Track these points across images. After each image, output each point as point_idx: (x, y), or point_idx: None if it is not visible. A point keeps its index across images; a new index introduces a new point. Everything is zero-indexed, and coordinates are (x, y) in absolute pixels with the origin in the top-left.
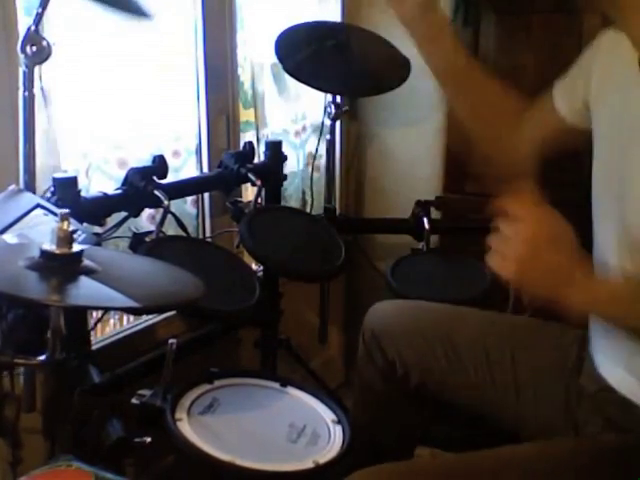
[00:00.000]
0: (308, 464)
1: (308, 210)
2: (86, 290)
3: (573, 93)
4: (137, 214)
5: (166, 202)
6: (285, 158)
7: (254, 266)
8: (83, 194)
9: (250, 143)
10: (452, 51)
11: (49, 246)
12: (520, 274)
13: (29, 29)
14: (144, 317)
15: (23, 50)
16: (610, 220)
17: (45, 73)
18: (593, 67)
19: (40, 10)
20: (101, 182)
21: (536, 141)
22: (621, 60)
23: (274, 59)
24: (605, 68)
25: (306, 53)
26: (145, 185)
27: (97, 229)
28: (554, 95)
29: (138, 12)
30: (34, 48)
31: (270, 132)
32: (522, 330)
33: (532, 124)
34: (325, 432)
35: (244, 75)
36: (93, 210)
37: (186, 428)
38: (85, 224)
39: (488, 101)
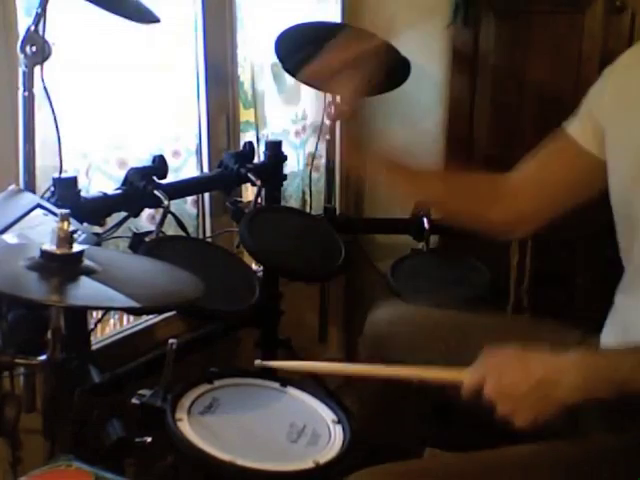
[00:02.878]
0: (308, 464)
1: (308, 210)
2: (86, 290)
3: (591, 121)
4: (137, 214)
5: (166, 202)
6: (285, 158)
7: (254, 266)
8: (83, 194)
9: (250, 143)
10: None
11: (49, 246)
12: (522, 416)
13: (29, 29)
14: (144, 317)
15: (23, 50)
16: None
17: (45, 73)
18: (607, 84)
19: (40, 10)
20: (101, 182)
21: (554, 191)
22: (637, 68)
23: (274, 59)
24: (620, 81)
25: (306, 53)
26: (145, 185)
27: (97, 229)
28: (574, 136)
29: (144, 18)
30: (34, 48)
31: (270, 132)
32: (523, 332)
33: (554, 180)
34: (325, 432)
35: (244, 75)
36: (93, 210)
37: (186, 428)
38: (85, 224)
39: (471, 207)
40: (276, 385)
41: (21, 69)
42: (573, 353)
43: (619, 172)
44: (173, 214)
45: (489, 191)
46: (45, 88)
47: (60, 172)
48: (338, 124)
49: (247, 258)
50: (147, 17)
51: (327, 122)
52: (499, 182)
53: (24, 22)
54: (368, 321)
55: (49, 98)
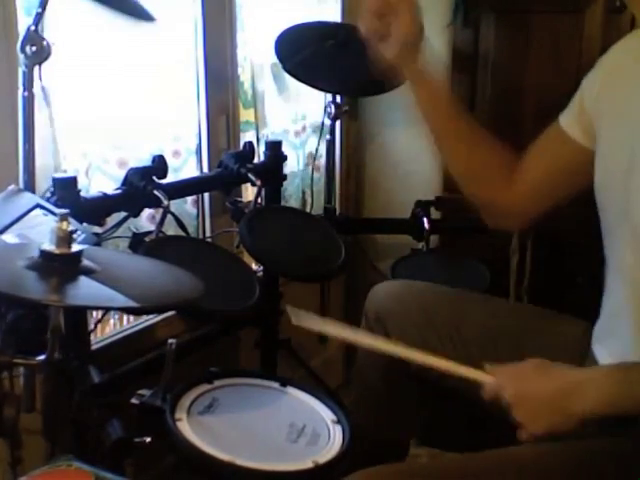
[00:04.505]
0: (308, 464)
1: (308, 210)
2: (85, 290)
3: (581, 111)
4: (137, 214)
5: (166, 202)
6: (285, 158)
7: (254, 266)
8: (83, 194)
9: (250, 143)
10: (446, 111)
11: (48, 246)
12: (537, 424)
13: (29, 29)
14: (144, 317)
15: (23, 50)
16: (617, 220)
17: (45, 73)
18: (598, 75)
19: (40, 10)
20: (101, 182)
21: (551, 182)
22: (629, 57)
23: (274, 59)
24: (611, 69)
25: (306, 53)
26: (145, 185)
27: (97, 229)
28: (563, 125)
29: (140, 15)
30: (34, 48)
31: (270, 132)
32: (529, 317)
33: (543, 167)
34: (325, 432)
35: (244, 75)
36: (93, 210)
37: (186, 428)
38: (85, 224)
39: (481, 159)
40: (276, 385)
41: (21, 69)
42: (596, 368)
43: (604, 163)
44: (173, 214)
45: (505, 169)
46: (43, 88)
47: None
48: (338, 124)
49: (247, 258)
50: (143, 15)
51: (327, 122)
52: (513, 163)
53: (24, 22)
54: (370, 295)
55: (46, 98)
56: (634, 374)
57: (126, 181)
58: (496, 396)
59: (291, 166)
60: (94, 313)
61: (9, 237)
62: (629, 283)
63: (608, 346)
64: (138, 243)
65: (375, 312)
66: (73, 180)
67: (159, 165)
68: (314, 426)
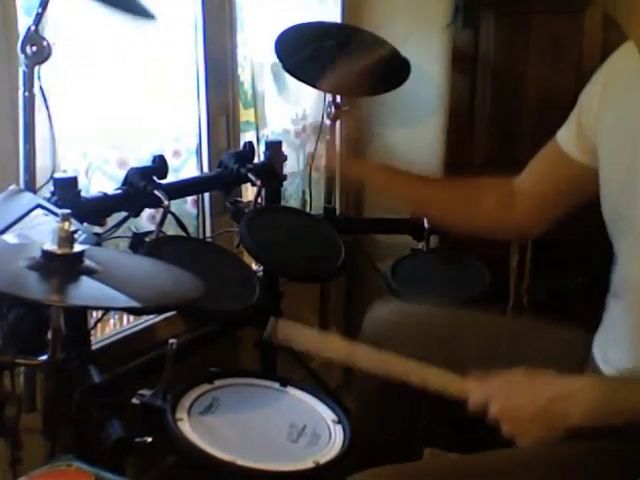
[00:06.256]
0: (308, 464)
1: (308, 210)
2: (87, 290)
3: (579, 129)
4: (137, 214)
5: (166, 202)
6: (285, 158)
7: (254, 266)
8: (83, 194)
9: (250, 143)
10: (415, 184)
11: (50, 246)
12: (526, 437)
13: (29, 29)
14: (144, 317)
15: (23, 50)
16: (622, 231)
17: (45, 73)
18: (596, 90)
19: (40, 10)
20: (101, 182)
21: (550, 199)
22: (626, 71)
23: (274, 59)
24: (608, 84)
25: (306, 53)
26: (145, 185)
27: (97, 229)
28: (561, 144)
29: (141, 13)
30: (34, 48)
31: (270, 132)
32: (522, 333)
33: (543, 188)
34: (325, 432)
35: (244, 75)
36: (93, 210)
37: (186, 428)
38: (85, 224)
39: (470, 209)
40: (276, 385)
41: (21, 69)
42: (582, 378)
43: (608, 179)
44: (173, 214)
45: (490, 199)
46: (41, 89)
47: (53, 172)
48: (338, 124)
49: (247, 258)
50: (143, 13)
51: (327, 122)
52: (502, 189)
53: (24, 22)
54: (366, 319)
55: (45, 99)
56: (622, 389)
57: (126, 181)
58: (482, 410)
59: (291, 166)
60: (94, 313)
61: (10, 237)
62: (633, 292)
63: (609, 354)
64: (138, 243)
65: (370, 335)
66: (73, 180)
67: (159, 165)
68: (315, 426)
